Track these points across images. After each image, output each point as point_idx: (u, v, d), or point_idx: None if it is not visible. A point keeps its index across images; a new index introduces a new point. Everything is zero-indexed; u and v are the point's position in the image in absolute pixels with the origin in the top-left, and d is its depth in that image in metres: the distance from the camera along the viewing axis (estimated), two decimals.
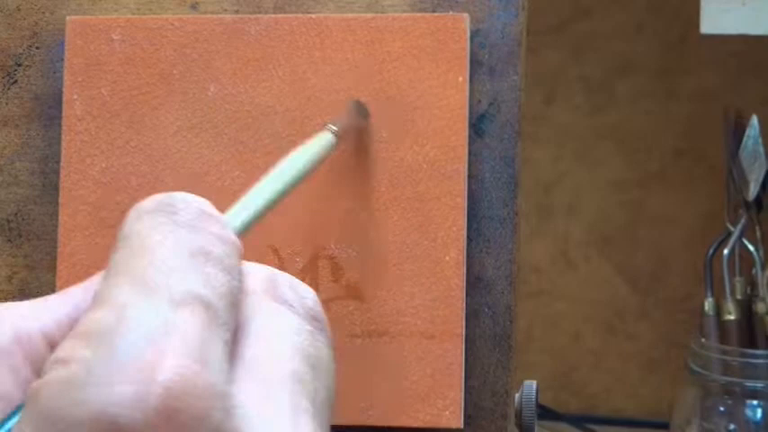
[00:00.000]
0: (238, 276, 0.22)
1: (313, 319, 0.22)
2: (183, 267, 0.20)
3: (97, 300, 0.20)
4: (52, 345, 0.22)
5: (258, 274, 0.23)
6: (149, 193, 0.56)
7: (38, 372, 0.21)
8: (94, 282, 0.23)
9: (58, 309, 0.22)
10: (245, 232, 0.30)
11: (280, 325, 0.22)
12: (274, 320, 0.22)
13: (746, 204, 0.78)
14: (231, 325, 0.20)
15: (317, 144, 0.42)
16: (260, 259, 0.50)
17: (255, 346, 0.21)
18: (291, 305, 0.22)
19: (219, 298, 0.20)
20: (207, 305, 0.20)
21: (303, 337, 0.22)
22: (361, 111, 0.48)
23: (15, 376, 0.21)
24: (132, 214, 0.22)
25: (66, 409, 0.18)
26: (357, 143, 0.50)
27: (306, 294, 0.23)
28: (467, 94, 0.49)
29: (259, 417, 0.19)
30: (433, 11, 0.51)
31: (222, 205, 0.50)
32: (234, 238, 0.23)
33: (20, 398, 0.20)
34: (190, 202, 0.22)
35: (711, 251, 0.79)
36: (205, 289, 0.20)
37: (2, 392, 0.20)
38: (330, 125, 0.44)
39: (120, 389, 0.18)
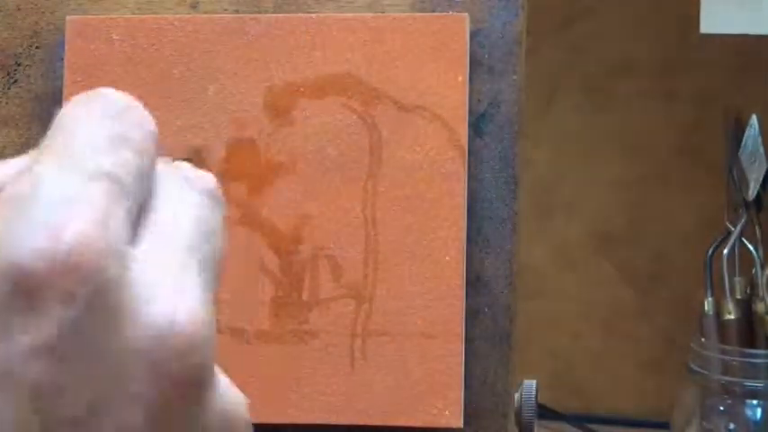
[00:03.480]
0: (151, 158, 0.26)
1: (212, 196, 0.27)
2: (100, 148, 0.24)
3: (24, 170, 0.24)
4: None
5: (164, 160, 0.27)
6: None
7: None
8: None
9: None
10: None
11: (181, 197, 0.26)
12: (177, 194, 0.26)
13: (746, 204, 0.78)
14: (139, 197, 0.25)
15: None
16: (260, 259, 0.50)
17: (160, 213, 0.25)
18: (193, 183, 0.27)
19: (128, 175, 0.24)
20: (116, 180, 0.24)
21: (199, 208, 0.26)
22: None
23: None
24: (69, 102, 0.26)
25: None
26: (357, 144, 0.50)
27: (205, 177, 0.27)
28: (467, 93, 0.49)
29: (152, 270, 0.23)
30: (433, 11, 0.51)
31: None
32: (152, 126, 0.27)
33: None
34: (117, 98, 0.27)
35: (711, 251, 0.79)
36: (116, 168, 0.24)
37: None
38: None
39: (29, 244, 0.21)
